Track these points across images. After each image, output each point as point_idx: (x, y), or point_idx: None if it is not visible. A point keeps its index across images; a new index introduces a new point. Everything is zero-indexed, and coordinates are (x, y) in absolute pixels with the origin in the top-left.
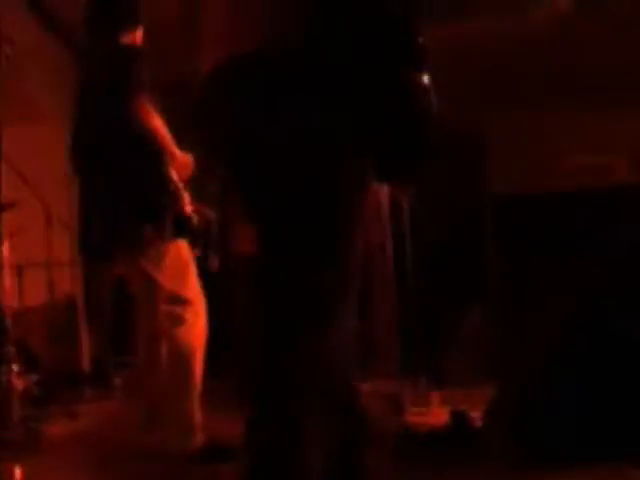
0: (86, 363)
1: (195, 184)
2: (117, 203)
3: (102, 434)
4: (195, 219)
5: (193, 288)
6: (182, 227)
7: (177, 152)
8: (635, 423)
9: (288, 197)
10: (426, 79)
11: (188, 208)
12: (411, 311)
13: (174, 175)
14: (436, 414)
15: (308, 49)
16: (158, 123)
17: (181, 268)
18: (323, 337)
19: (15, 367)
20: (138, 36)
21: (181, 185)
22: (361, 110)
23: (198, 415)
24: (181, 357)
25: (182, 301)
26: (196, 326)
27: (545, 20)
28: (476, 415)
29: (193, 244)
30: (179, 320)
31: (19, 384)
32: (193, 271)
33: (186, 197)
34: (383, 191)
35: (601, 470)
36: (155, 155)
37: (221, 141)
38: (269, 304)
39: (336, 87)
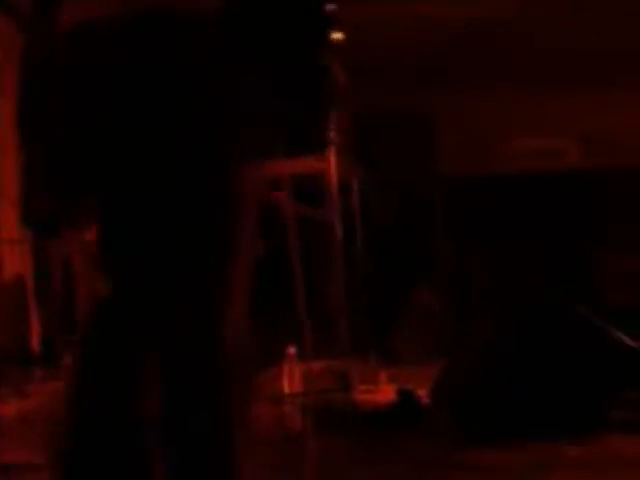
0: (36, 343)
1: None
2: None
3: (53, 413)
4: None
5: None
6: None
7: None
8: (572, 402)
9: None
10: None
11: None
12: (361, 291)
13: None
14: (384, 392)
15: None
16: None
17: None
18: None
19: None
20: None
21: None
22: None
23: None
24: None
25: None
26: None
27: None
28: (423, 393)
29: None
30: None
31: None
32: None
33: None
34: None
35: (539, 447)
36: None
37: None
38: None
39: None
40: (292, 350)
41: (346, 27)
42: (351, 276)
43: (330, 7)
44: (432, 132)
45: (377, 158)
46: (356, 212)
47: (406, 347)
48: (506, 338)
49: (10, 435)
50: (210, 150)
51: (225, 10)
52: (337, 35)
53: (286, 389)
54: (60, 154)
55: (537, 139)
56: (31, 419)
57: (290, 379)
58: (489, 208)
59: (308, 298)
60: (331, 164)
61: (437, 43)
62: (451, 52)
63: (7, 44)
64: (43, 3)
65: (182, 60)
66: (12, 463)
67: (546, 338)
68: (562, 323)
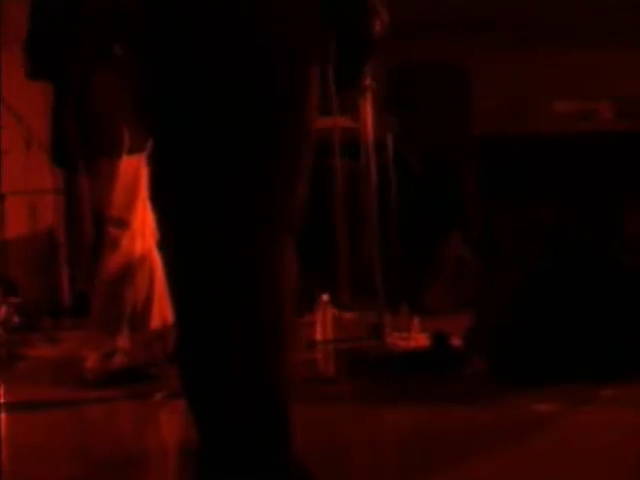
0: (67, 296)
1: None
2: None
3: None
4: None
5: (138, 212)
6: None
7: None
8: (605, 344)
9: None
10: None
11: None
12: (394, 242)
13: None
14: (417, 339)
15: None
16: None
17: (129, 189)
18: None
19: None
20: None
21: None
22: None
23: (123, 340)
24: (106, 284)
25: (123, 224)
26: (130, 253)
27: None
28: (456, 341)
29: None
30: (114, 244)
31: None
32: (143, 195)
33: None
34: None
35: (572, 388)
36: None
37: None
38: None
39: None
40: (325, 297)
41: None
42: (385, 228)
43: None
44: (466, 87)
45: (412, 111)
46: (390, 165)
47: (439, 298)
48: (537, 279)
49: (37, 375)
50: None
51: None
52: None
53: (318, 335)
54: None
55: (571, 101)
56: (58, 362)
57: (323, 326)
58: (521, 165)
59: (344, 250)
60: (367, 114)
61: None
62: (491, 12)
63: None
64: None
65: None
66: (40, 400)
67: (579, 278)
68: (595, 262)
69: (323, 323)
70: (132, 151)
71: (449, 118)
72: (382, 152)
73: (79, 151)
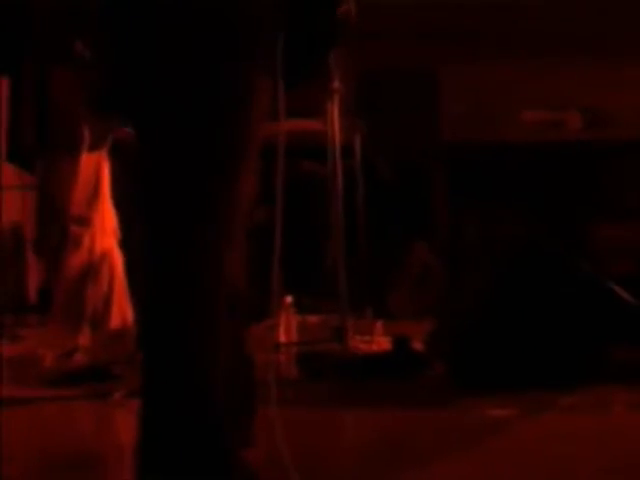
0: (33, 293)
1: None
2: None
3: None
4: None
5: (100, 210)
6: None
7: None
8: (565, 353)
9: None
10: None
11: None
12: (360, 246)
13: None
14: (379, 342)
15: None
16: None
17: (91, 186)
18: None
19: None
20: None
21: None
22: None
23: (83, 338)
24: (68, 282)
25: (84, 222)
26: (92, 251)
27: None
28: (418, 345)
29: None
30: (76, 242)
31: None
32: (105, 193)
33: None
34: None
35: (531, 395)
36: None
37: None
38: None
39: None
40: (289, 300)
41: None
42: (352, 232)
43: None
44: (436, 95)
45: (381, 116)
46: (357, 169)
47: (403, 303)
48: (500, 287)
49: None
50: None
51: None
52: None
53: (282, 338)
54: None
55: (539, 110)
56: (20, 360)
57: (286, 329)
58: (489, 173)
59: (310, 253)
60: (334, 117)
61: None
62: (462, 21)
63: None
64: None
65: None
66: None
67: (540, 287)
68: (556, 272)
69: (287, 326)
70: (92, 148)
71: (417, 124)
72: (350, 156)
73: (36, 148)
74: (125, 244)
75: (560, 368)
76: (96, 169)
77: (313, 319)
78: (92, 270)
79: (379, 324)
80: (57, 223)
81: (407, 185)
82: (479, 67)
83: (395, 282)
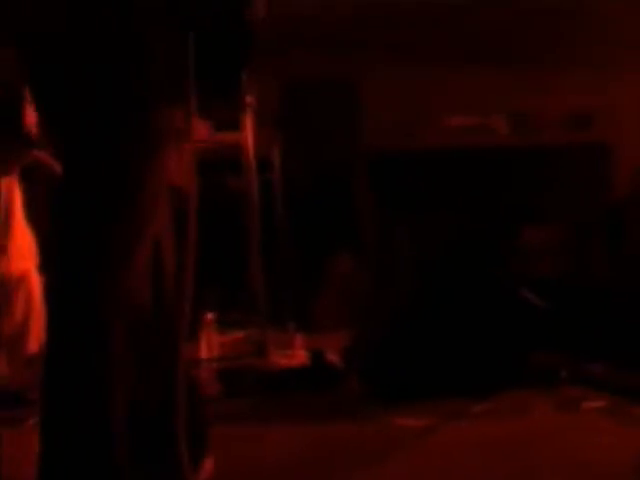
0: None
1: None
2: None
3: None
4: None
5: (15, 236)
6: None
7: None
8: (481, 362)
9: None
10: None
11: None
12: (281, 259)
13: None
14: (299, 356)
15: None
16: None
17: (4, 212)
18: (116, 278)
19: None
20: None
21: None
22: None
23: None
24: None
25: None
26: (8, 277)
27: None
28: (334, 358)
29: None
30: None
31: None
32: (19, 217)
33: None
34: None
35: (444, 405)
36: None
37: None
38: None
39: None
40: (210, 316)
41: None
42: (270, 246)
43: None
44: (355, 102)
45: (301, 127)
46: (275, 181)
47: (325, 316)
48: (415, 296)
49: None
50: (128, 85)
51: None
52: None
53: (203, 354)
54: None
55: (464, 116)
56: None
57: (207, 345)
58: (413, 181)
59: (229, 268)
60: (248, 131)
61: (363, 13)
62: (380, 24)
63: None
64: None
65: None
66: None
67: (455, 296)
68: (474, 281)
69: (208, 342)
70: (3, 173)
71: (338, 134)
72: (269, 170)
73: None
74: (44, 267)
75: (476, 376)
76: (8, 195)
77: (237, 335)
78: (6, 296)
79: (299, 337)
80: None
81: (330, 196)
82: (400, 75)
83: (318, 294)
